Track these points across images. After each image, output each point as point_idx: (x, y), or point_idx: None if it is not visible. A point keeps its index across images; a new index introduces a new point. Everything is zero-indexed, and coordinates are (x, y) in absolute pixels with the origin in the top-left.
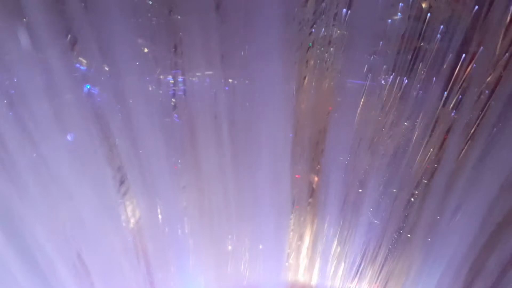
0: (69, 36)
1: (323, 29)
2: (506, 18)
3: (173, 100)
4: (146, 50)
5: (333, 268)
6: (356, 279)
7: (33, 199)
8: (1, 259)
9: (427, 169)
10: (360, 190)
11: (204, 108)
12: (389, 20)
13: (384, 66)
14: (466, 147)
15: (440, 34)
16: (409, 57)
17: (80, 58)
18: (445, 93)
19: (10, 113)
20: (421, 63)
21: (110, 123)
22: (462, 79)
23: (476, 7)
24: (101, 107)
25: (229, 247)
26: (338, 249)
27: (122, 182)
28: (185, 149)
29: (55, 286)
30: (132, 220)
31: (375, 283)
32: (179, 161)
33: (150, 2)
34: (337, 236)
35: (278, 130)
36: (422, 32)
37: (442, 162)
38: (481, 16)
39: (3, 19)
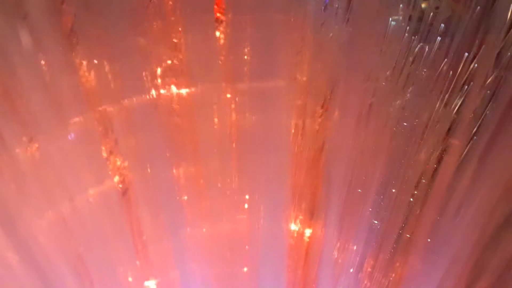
0: (70, 34)
1: (323, 30)
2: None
3: (174, 101)
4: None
5: (333, 269)
6: (356, 280)
7: (33, 198)
8: (1, 258)
9: (427, 169)
10: (359, 190)
11: (205, 107)
12: (390, 20)
13: (384, 66)
14: (467, 147)
15: (440, 35)
16: (410, 57)
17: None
18: (446, 93)
19: (10, 111)
20: (421, 64)
21: (111, 122)
22: (463, 80)
23: (478, 7)
24: (101, 106)
25: (228, 251)
26: (338, 250)
27: (122, 181)
28: (186, 149)
29: (55, 285)
30: (133, 220)
31: (376, 284)
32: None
33: None
34: (337, 237)
35: (278, 128)
36: (423, 32)
37: (443, 163)
38: (483, 16)
39: (4, 17)
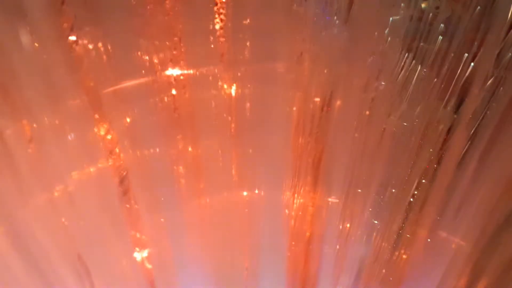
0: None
1: (323, 30)
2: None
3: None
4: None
5: (333, 269)
6: (356, 280)
7: (33, 198)
8: (2, 258)
9: (427, 169)
10: (359, 190)
11: (205, 105)
12: (390, 20)
13: (384, 66)
14: (467, 148)
15: (440, 35)
16: (410, 57)
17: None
18: (446, 93)
19: (9, 110)
20: (421, 64)
21: (110, 122)
22: (463, 80)
23: (478, 7)
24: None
25: (229, 257)
26: (338, 250)
27: (122, 181)
28: (185, 148)
29: (55, 285)
30: (133, 220)
31: (376, 284)
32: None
33: None
34: (337, 236)
35: (279, 127)
36: (423, 32)
37: (443, 163)
38: (483, 16)
39: (4, 17)
